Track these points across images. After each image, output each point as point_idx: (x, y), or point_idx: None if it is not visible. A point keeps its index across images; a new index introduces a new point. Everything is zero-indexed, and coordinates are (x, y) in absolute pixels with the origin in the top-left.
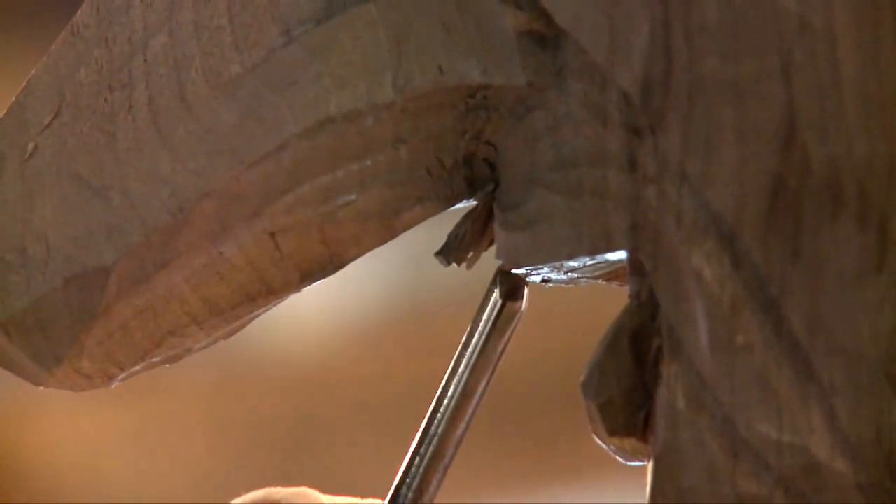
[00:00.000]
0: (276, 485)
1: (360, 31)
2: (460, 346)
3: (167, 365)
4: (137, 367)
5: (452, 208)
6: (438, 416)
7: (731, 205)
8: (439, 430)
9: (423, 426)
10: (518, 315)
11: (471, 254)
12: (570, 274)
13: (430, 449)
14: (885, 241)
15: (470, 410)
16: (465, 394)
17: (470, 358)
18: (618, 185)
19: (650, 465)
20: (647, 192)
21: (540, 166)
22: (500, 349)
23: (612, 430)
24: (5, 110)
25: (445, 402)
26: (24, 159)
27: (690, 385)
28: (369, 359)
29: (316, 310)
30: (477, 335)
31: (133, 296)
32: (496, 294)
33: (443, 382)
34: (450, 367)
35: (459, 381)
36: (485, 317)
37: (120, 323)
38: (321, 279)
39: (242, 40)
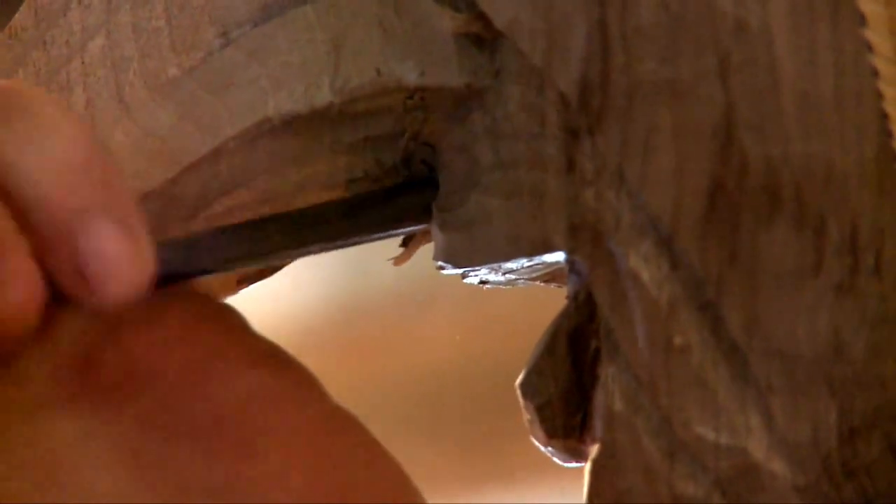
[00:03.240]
0: None
1: (298, 34)
2: None
3: None
4: None
5: None
6: None
7: (669, 206)
8: None
9: None
10: None
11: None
12: (508, 275)
13: None
14: (822, 243)
15: None
16: None
17: None
18: (556, 187)
19: (587, 467)
20: (586, 193)
21: (478, 168)
22: None
23: (550, 432)
24: None
25: None
26: None
27: (628, 386)
28: (307, 361)
29: (253, 313)
30: None
31: None
32: None
33: None
34: None
35: None
36: None
37: None
38: (257, 282)
39: (180, 42)
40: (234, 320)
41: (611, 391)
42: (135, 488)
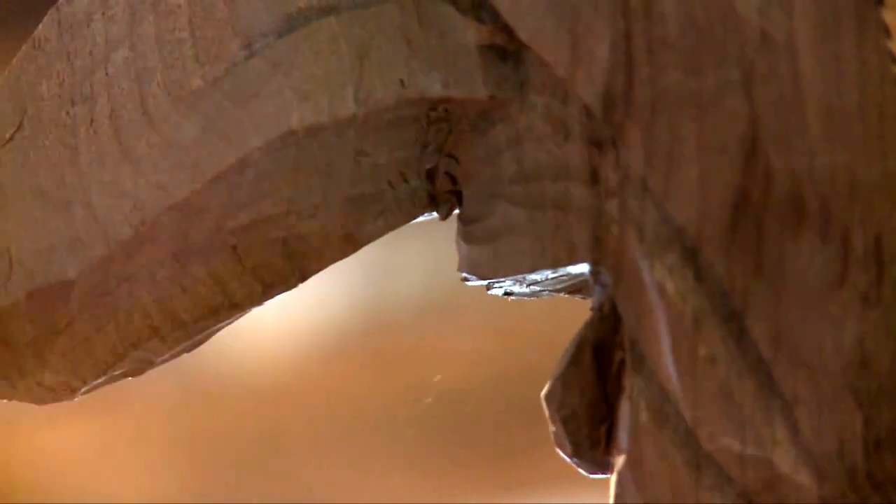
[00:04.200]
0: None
1: (322, 45)
2: None
3: (130, 378)
4: (100, 380)
5: (414, 221)
6: None
7: (694, 218)
8: None
9: None
10: None
11: None
12: (532, 287)
13: None
14: (848, 255)
15: None
16: None
17: None
18: (580, 199)
19: (613, 479)
20: (610, 205)
21: (502, 179)
22: None
23: (576, 443)
24: None
25: None
26: None
27: (653, 398)
28: (332, 371)
29: (279, 323)
30: None
31: (96, 309)
32: None
33: None
34: None
35: None
36: None
37: (83, 336)
38: (284, 292)
39: (204, 53)
40: None
41: (636, 403)
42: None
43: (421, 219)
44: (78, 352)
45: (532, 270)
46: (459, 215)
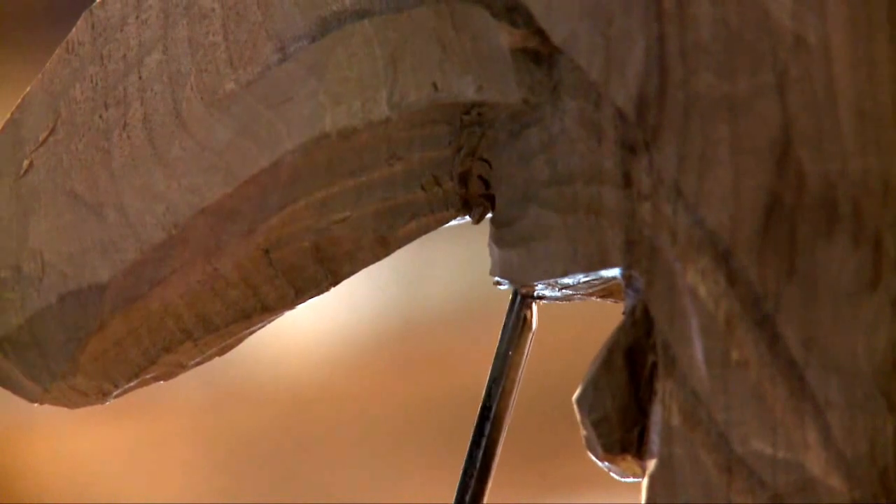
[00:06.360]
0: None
1: (356, 48)
2: (491, 370)
3: (161, 381)
4: (132, 384)
5: (447, 225)
6: (481, 440)
7: (726, 222)
8: (482, 451)
9: (467, 453)
10: (531, 334)
11: None
12: (564, 291)
13: (477, 466)
14: (880, 258)
15: (504, 429)
16: (498, 417)
17: (500, 380)
18: (613, 202)
19: (645, 482)
20: (642, 208)
21: (535, 183)
22: (522, 367)
23: (607, 447)
24: (0, 127)
25: (483, 427)
26: (18, 176)
27: (685, 401)
28: (362, 376)
29: (310, 326)
30: (501, 359)
31: (128, 312)
32: (516, 315)
33: (479, 411)
34: (484, 392)
35: (493, 404)
36: (507, 340)
37: (115, 339)
38: (316, 296)
39: (237, 57)
40: None
41: (668, 406)
42: None
43: (453, 222)
44: (110, 355)
45: (564, 274)
46: (492, 219)
